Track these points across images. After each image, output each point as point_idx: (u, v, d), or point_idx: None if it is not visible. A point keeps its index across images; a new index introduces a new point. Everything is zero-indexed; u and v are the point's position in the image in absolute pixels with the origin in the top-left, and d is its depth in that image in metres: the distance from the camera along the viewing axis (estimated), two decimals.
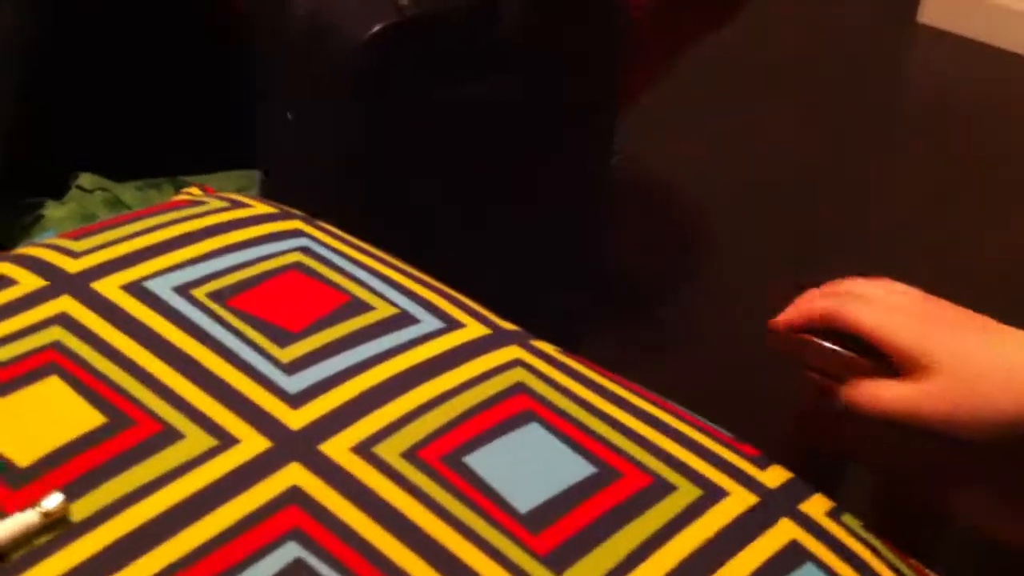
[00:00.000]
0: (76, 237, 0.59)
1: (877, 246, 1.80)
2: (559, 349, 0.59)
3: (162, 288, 0.56)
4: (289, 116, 1.10)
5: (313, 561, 0.44)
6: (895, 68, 2.37)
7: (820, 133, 2.10)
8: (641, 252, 1.75)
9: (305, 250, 0.62)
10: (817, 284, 0.60)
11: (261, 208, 0.66)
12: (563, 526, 0.48)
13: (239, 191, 1.23)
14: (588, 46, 1.23)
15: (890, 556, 0.52)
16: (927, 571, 0.53)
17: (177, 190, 0.77)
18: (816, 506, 0.52)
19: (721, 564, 0.47)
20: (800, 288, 0.60)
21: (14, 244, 0.97)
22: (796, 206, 1.88)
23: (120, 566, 0.42)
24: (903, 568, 0.51)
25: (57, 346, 0.51)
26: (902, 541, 0.55)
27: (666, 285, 1.68)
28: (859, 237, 1.82)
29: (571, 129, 1.27)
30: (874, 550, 0.51)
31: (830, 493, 0.54)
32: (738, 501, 0.50)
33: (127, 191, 1.14)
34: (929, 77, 2.33)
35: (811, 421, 0.62)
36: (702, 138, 2.02)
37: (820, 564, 0.48)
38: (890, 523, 0.57)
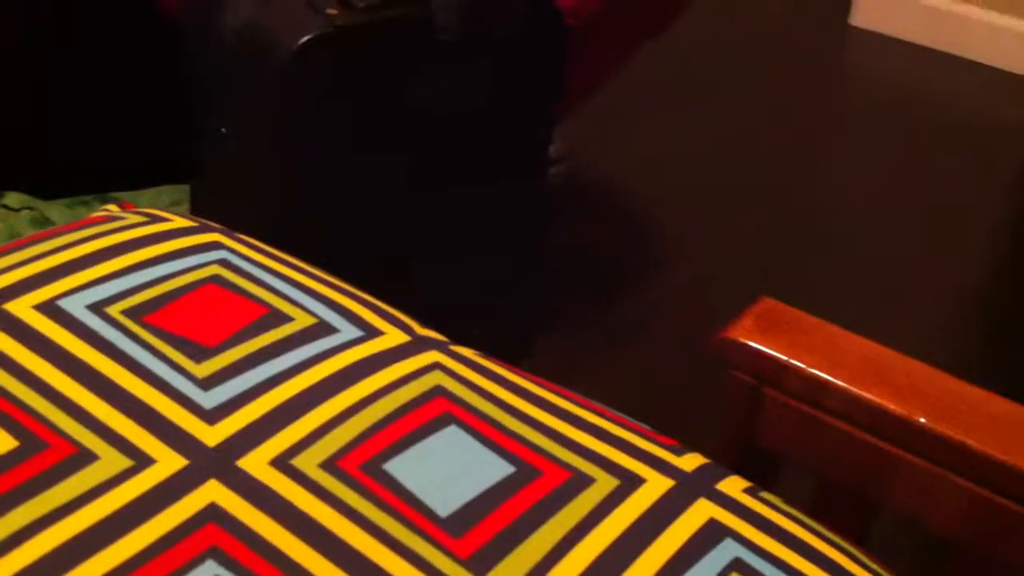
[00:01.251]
0: None
1: (828, 241, 1.82)
2: (478, 353, 0.60)
3: (76, 307, 0.55)
4: (223, 130, 1.10)
5: None
6: (830, 68, 2.39)
7: (762, 132, 2.12)
8: (596, 251, 1.76)
9: (223, 263, 0.62)
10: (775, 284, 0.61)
11: (180, 222, 0.66)
12: (484, 528, 0.48)
13: (172, 205, 1.22)
14: (526, 53, 1.23)
15: (815, 525, 0.52)
16: (855, 545, 0.54)
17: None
18: (733, 485, 0.52)
19: (642, 551, 0.47)
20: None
21: None
22: (745, 202, 1.90)
23: None
24: (829, 535, 0.52)
25: None
26: (836, 526, 0.56)
27: (621, 281, 1.69)
28: (809, 232, 1.84)
29: (510, 137, 1.27)
30: (797, 520, 0.52)
31: (768, 490, 0.55)
32: (655, 487, 0.51)
33: (55, 209, 1.13)
34: (863, 77, 2.37)
35: (742, 418, 0.63)
36: (652, 136, 2.04)
37: (739, 538, 0.49)
38: (824, 511, 0.58)
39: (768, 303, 0.62)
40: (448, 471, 0.51)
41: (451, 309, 0.66)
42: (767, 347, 0.59)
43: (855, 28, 2.52)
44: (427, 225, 1.19)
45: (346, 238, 1.10)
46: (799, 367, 0.58)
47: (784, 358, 0.59)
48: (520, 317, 1.33)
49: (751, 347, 0.59)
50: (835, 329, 0.60)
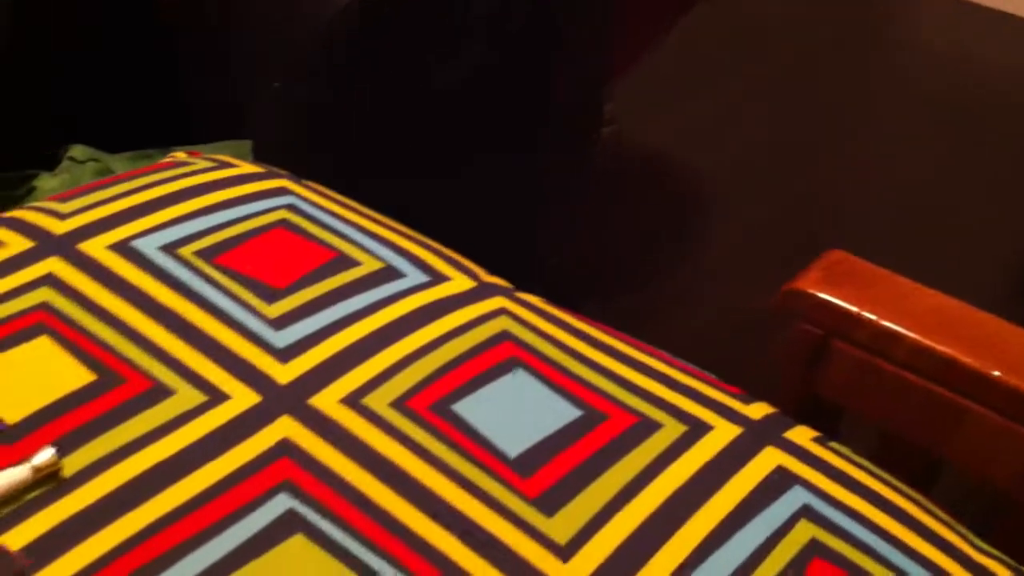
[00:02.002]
0: (63, 199, 0.60)
1: (877, 220, 1.80)
2: (543, 299, 0.60)
3: (149, 247, 0.56)
4: (275, 85, 1.10)
5: (306, 511, 0.45)
6: (901, 37, 2.35)
7: (819, 104, 2.09)
8: (633, 224, 1.75)
9: (291, 207, 0.62)
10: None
11: (247, 168, 0.66)
12: (552, 469, 0.48)
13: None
14: (574, 21, 1.22)
15: (884, 475, 0.52)
16: (922, 495, 0.53)
17: None
18: (801, 434, 0.52)
19: (710, 495, 0.47)
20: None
21: None
22: (793, 177, 1.88)
23: (112, 519, 0.43)
24: (898, 484, 0.52)
25: (46, 306, 0.52)
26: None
27: (657, 256, 1.68)
28: (858, 211, 1.82)
29: (558, 104, 1.27)
30: (867, 470, 0.51)
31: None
32: (722, 434, 0.51)
33: (118, 162, 1.14)
34: (938, 46, 2.32)
35: (806, 370, 0.63)
36: (700, 109, 2.02)
37: (808, 485, 0.49)
38: (886, 465, 0.57)
39: (836, 254, 0.61)
40: (515, 413, 0.51)
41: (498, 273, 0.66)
42: (836, 298, 0.58)
43: None
44: (472, 190, 1.19)
45: (396, 196, 1.11)
46: (869, 318, 0.58)
47: (853, 308, 0.58)
48: (567, 279, 1.32)
49: (819, 298, 0.59)
50: (904, 281, 0.60)
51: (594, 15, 1.22)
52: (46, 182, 1.05)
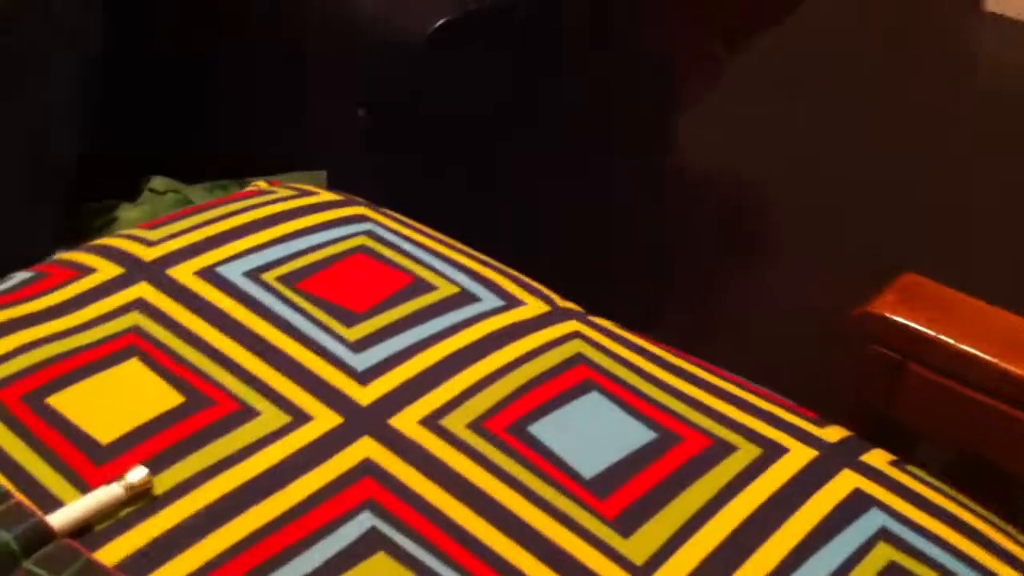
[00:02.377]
0: (150, 227, 0.62)
1: (938, 241, 1.78)
2: (616, 323, 0.61)
3: (234, 273, 0.58)
4: (360, 113, 1.12)
5: (387, 530, 0.46)
6: (959, 57, 2.33)
7: (878, 126, 2.07)
8: (696, 241, 1.75)
9: (369, 234, 0.64)
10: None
11: (327, 196, 0.68)
12: (628, 490, 0.49)
13: None
14: (649, 45, 1.23)
15: (963, 499, 0.52)
16: (1000, 518, 0.53)
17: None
18: (878, 457, 0.52)
19: (786, 517, 0.48)
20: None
21: None
22: (856, 199, 1.87)
23: (202, 536, 0.44)
24: (978, 509, 0.51)
25: (136, 330, 0.54)
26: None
27: (720, 274, 1.68)
28: (920, 232, 1.80)
29: (629, 125, 1.28)
30: (945, 494, 0.51)
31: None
32: (798, 457, 0.51)
33: (196, 192, 1.17)
34: (995, 66, 2.29)
35: (881, 393, 0.63)
36: (760, 128, 2.01)
37: (886, 508, 0.49)
38: (964, 489, 0.57)
39: (910, 277, 0.61)
40: (590, 435, 0.52)
41: (571, 284, 0.67)
42: (911, 321, 0.58)
43: (989, 14, 2.44)
44: (551, 200, 1.20)
45: (478, 215, 1.12)
46: (944, 341, 0.58)
47: (929, 332, 0.58)
48: (628, 302, 1.33)
49: (894, 321, 0.59)
50: (980, 304, 0.59)
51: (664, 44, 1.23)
52: (128, 212, 1.08)
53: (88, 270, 0.58)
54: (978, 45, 2.37)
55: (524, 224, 1.18)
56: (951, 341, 0.58)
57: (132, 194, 1.13)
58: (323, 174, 1.19)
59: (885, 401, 0.60)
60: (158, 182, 1.14)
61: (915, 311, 0.59)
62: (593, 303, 0.65)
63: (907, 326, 0.59)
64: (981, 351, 0.57)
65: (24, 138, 0.98)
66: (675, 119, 1.39)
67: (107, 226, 1.07)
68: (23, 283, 0.57)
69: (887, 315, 0.59)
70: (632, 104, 1.24)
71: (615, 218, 1.28)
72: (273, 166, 1.26)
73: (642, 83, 1.24)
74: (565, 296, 0.63)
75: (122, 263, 0.58)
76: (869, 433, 0.59)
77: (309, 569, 0.44)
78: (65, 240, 0.96)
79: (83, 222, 1.06)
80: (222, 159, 1.23)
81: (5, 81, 0.94)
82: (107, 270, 0.58)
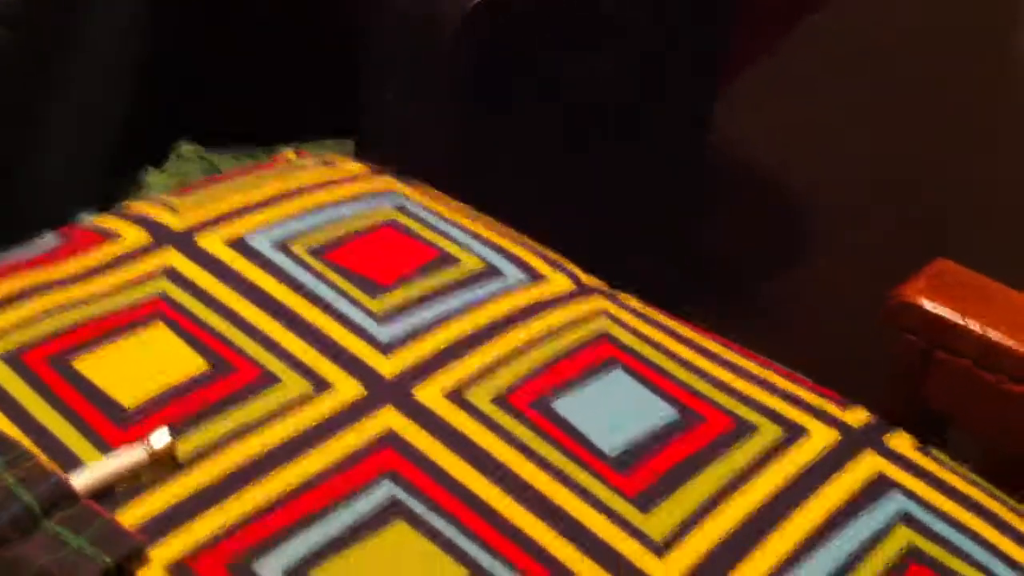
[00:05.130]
0: (179, 195, 0.62)
1: (991, 243, 1.75)
2: (641, 301, 0.60)
3: (262, 243, 0.58)
4: (388, 96, 1.12)
5: (408, 500, 0.46)
6: (1008, 49, 2.29)
7: (935, 119, 2.04)
8: (738, 232, 1.73)
9: (397, 207, 0.63)
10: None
11: (355, 168, 0.68)
12: (649, 468, 0.49)
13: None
14: (690, 25, 1.22)
15: (987, 485, 0.51)
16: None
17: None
18: (901, 441, 0.52)
19: (807, 498, 0.47)
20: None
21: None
22: (906, 195, 1.84)
23: (223, 500, 0.45)
24: (1002, 495, 0.51)
25: (163, 296, 0.54)
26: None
27: (761, 267, 1.67)
28: (971, 231, 1.78)
29: (669, 105, 1.27)
30: (969, 479, 0.51)
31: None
32: (820, 438, 0.51)
33: (224, 160, 1.17)
34: None
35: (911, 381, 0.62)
36: (809, 118, 1.99)
37: (908, 492, 0.49)
38: (993, 478, 0.57)
39: (942, 264, 0.60)
40: (614, 412, 0.52)
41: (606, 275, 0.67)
42: (940, 308, 0.58)
43: None
44: (583, 194, 1.19)
45: (504, 199, 1.11)
46: (973, 329, 0.57)
47: (957, 319, 0.57)
48: (663, 290, 1.32)
49: (923, 308, 0.58)
50: (1013, 292, 0.59)
51: (706, 23, 1.22)
52: (155, 178, 1.08)
53: (116, 235, 0.58)
54: None
55: (552, 200, 1.17)
56: (978, 329, 0.57)
57: (158, 158, 1.13)
58: (350, 143, 1.19)
59: (915, 389, 0.60)
60: (185, 148, 1.14)
61: (943, 298, 0.58)
62: (620, 281, 0.65)
63: (933, 313, 0.58)
64: (1010, 339, 0.57)
65: (82, 92, 0.99)
66: (715, 106, 1.38)
67: (133, 191, 1.08)
68: (50, 246, 0.58)
69: (915, 301, 0.58)
70: (672, 88, 1.23)
71: (648, 203, 1.28)
72: (299, 134, 1.25)
73: (684, 67, 1.23)
74: (590, 273, 0.63)
75: (150, 230, 0.58)
76: (900, 420, 0.59)
77: (329, 536, 0.44)
78: (93, 203, 0.97)
79: (108, 185, 1.07)
80: (247, 126, 1.23)
81: (68, 30, 0.94)
82: (135, 236, 0.58)
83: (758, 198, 1.80)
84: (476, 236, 0.62)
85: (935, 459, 0.52)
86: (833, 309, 1.51)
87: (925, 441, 0.54)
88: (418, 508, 0.46)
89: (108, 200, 1.01)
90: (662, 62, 1.20)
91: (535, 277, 0.60)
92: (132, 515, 0.44)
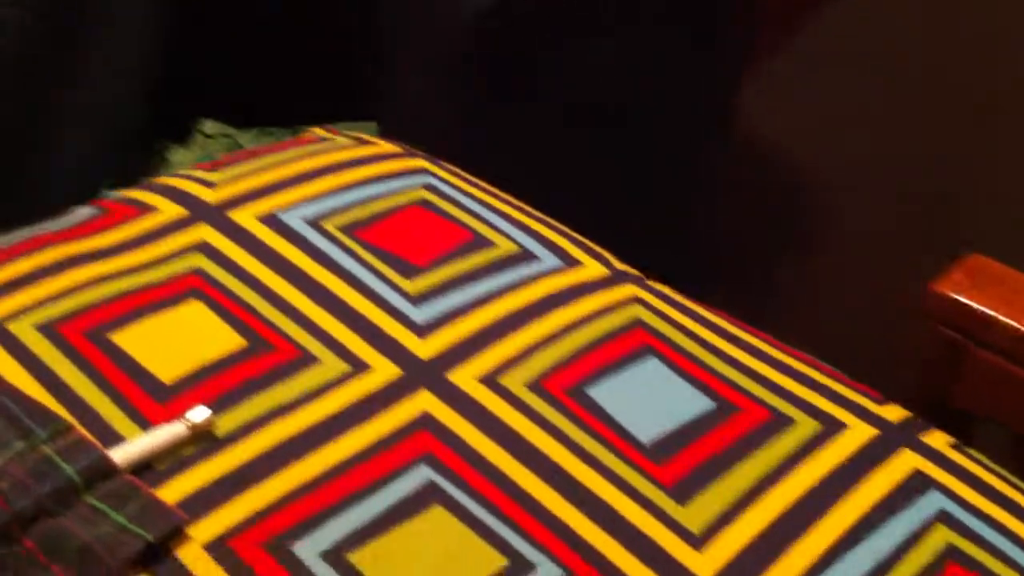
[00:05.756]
0: (210, 169, 0.61)
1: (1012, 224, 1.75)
2: (675, 290, 0.60)
3: (295, 220, 0.58)
4: (409, 84, 1.11)
5: (444, 484, 0.46)
6: None
7: (953, 107, 2.03)
8: (754, 218, 1.73)
9: (429, 187, 0.63)
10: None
11: (386, 147, 0.67)
12: (685, 458, 0.49)
13: None
14: (711, 10, 1.21)
15: (1019, 482, 0.51)
16: None
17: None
18: (938, 439, 0.52)
19: (845, 494, 0.47)
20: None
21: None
22: (923, 184, 1.83)
23: (262, 479, 0.44)
24: None
25: (199, 272, 0.54)
26: None
27: (777, 253, 1.66)
28: (987, 221, 1.77)
29: (687, 91, 1.26)
30: (1005, 479, 0.51)
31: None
32: (858, 434, 0.51)
33: (247, 138, 1.17)
34: None
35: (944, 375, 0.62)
36: (827, 105, 1.98)
37: (945, 491, 0.49)
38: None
39: (977, 258, 0.60)
40: (649, 401, 0.51)
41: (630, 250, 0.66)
42: (976, 302, 0.58)
43: None
44: (603, 181, 1.19)
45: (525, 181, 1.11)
46: (1008, 323, 0.57)
47: (994, 314, 0.57)
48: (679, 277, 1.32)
49: (960, 302, 0.58)
50: None
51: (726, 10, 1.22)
52: (179, 155, 1.08)
53: (150, 208, 0.58)
54: None
55: (581, 186, 1.17)
56: (1013, 323, 0.57)
57: (180, 135, 1.13)
58: (373, 125, 1.18)
59: (947, 384, 0.60)
60: (209, 125, 1.13)
61: (978, 292, 0.58)
62: (651, 269, 0.64)
63: (968, 306, 0.58)
64: None
65: (105, 69, 0.98)
66: (742, 92, 1.38)
67: (156, 168, 1.07)
68: (85, 218, 0.57)
69: (950, 295, 0.58)
70: (701, 75, 1.22)
71: (676, 189, 1.27)
72: (320, 116, 1.25)
73: (705, 50, 1.22)
74: (623, 260, 0.63)
75: (185, 204, 0.58)
76: (931, 415, 0.59)
77: (367, 518, 0.44)
78: (118, 180, 0.96)
79: (132, 162, 1.06)
80: (273, 106, 1.23)
81: (91, 4, 0.94)
82: (169, 210, 0.57)
83: (759, 197, 1.80)
84: (509, 219, 0.62)
85: (971, 457, 0.51)
86: (845, 304, 1.51)
87: (955, 436, 0.54)
88: (455, 493, 0.45)
89: (133, 177, 1.01)
90: (680, 48, 1.20)
91: (570, 262, 0.59)
92: (172, 491, 0.43)
